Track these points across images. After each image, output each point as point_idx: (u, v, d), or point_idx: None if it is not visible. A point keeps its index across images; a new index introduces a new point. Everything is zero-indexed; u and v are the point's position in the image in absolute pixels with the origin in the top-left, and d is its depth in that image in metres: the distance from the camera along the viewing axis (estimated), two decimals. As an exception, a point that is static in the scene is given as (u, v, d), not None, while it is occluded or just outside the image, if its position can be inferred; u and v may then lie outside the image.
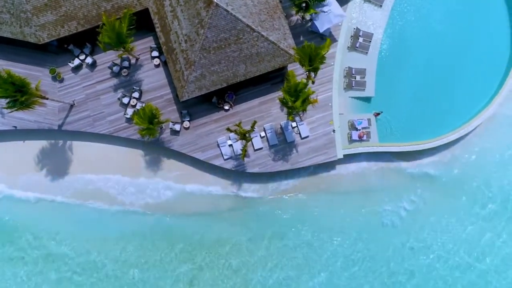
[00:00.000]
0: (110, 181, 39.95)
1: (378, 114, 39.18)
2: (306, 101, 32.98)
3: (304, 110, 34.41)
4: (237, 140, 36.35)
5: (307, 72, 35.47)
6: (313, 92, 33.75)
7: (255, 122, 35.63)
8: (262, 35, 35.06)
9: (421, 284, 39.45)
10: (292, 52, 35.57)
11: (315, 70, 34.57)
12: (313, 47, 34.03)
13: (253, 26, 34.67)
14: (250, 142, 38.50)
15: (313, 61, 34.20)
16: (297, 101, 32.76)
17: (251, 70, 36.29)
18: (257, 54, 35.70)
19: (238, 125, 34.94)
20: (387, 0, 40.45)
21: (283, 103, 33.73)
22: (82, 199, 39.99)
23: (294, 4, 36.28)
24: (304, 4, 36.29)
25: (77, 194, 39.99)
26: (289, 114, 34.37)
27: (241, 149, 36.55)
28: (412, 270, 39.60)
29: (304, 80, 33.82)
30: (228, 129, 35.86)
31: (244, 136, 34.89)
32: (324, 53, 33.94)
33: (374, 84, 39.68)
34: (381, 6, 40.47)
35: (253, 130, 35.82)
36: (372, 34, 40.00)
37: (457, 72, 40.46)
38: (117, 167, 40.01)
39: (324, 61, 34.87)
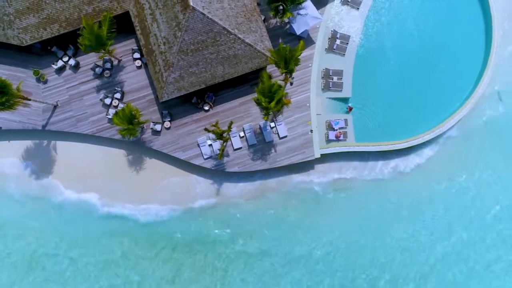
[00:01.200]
0: (92, 181, 40.77)
1: (351, 109, 40.04)
2: (280, 102, 33.84)
3: (279, 110, 35.28)
4: (216, 140, 37.21)
5: (284, 74, 36.42)
6: (287, 93, 34.60)
7: (231, 123, 36.51)
8: (239, 38, 35.97)
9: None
10: (268, 54, 36.46)
11: (290, 71, 35.47)
12: (288, 49, 34.97)
13: (229, 29, 35.58)
14: (230, 142, 39.49)
15: (288, 63, 35.15)
16: (272, 102, 33.66)
17: (229, 72, 37.20)
18: (234, 56, 36.62)
19: (215, 125, 35.82)
20: (364, 3, 41.37)
21: (258, 103, 34.61)
22: (65, 199, 40.84)
23: (271, 7, 37.14)
24: (281, 8, 37.17)
25: (61, 193, 40.84)
26: (264, 114, 35.22)
27: (219, 149, 37.41)
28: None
29: (278, 82, 34.68)
30: (206, 129, 36.74)
31: (221, 136, 35.77)
32: (298, 55, 34.85)
33: (351, 85, 40.57)
34: (358, 8, 41.37)
35: (230, 131, 36.69)
36: (349, 36, 40.91)
37: (433, 73, 41.39)
38: (100, 167, 40.85)
39: (299, 63, 35.81)
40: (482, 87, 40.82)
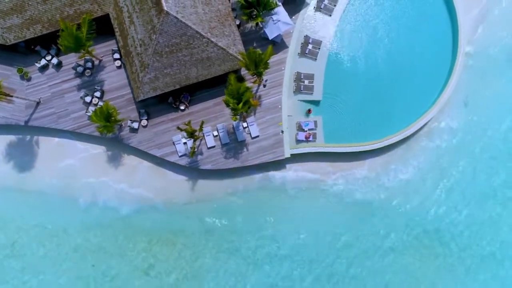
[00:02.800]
0: (74, 175, 42.52)
1: (311, 111, 41.78)
2: (247, 103, 35.57)
3: (246, 111, 37.02)
4: (188, 138, 38.93)
5: (255, 76, 38.23)
6: (253, 95, 36.33)
7: (202, 122, 38.31)
8: (212, 41, 37.74)
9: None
10: (240, 57, 38.20)
11: (260, 74, 37.22)
12: (257, 53, 36.81)
13: (202, 33, 37.35)
14: (204, 140, 41.23)
15: (258, 66, 36.95)
16: (240, 103, 35.41)
17: (202, 73, 38.96)
18: (207, 58, 38.38)
19: (187, 124, 37.58)
20: (336, 10, 43.07)
21: (227, 104, 36.35)
22: (46, 191, 42.58)
23: (243, 12, 38.87)
24: (254, 13, 38.92)
25: (42, 186, 42.55)
26: (233, 115, 36.95)
27: (192, 147, 39.16)
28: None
29: (246, 84, 36.44)
30: (179, 128, 38.51)
31: (192, 134, 37.51)
32: (266, 59, 36.64)
33: (322, 88, 42.28)
34: (330, 15, 43.08)
35: (202, 130, 38.43)
36: (321, 41, 42.62)
37: (401, 78, 43.03)
38: (80, 162, 42.59)
39: (268, 67, 37.63)
40: (448, 93, 42.44)
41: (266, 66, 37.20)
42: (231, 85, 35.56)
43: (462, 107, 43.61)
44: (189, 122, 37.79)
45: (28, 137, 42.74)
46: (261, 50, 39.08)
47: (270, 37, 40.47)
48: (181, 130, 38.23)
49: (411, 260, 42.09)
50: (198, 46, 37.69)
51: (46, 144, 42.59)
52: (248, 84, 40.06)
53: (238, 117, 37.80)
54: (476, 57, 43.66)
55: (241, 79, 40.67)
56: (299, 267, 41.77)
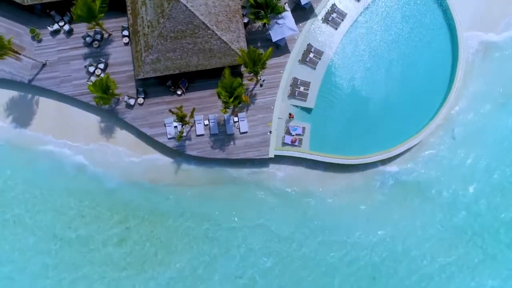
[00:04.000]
0: (65, 140, 44.18)
1: (292, 116, 42.96)
2: (238, 98, 36.95)
3: (236, 106, 38.38)
4: (178, 123, 40.39)
5: (252, 74, 39.63)
6: (245, 90, 37.68)
7: (193, 110, 39.77)
8: (216, 34, 39.20)
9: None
10: (240, 53, 39.57)
11: (256, 72, 38.61)
12: (257, 52, 38.20)
13: (208, 25, 38.82)
14: (194, 127, 42.69)
15: (256, 65, 38.32)
16: (231, 97, 36.81)
17: (202, 63, 40.41)
18: (209, 50, 39.84)
19: (179, 108, 39.07)
20: (343, 25, 44.27)
21: (219, 96, 37.76)
22: (40, 150, 44.28)
23: (252, 11, 40.25)
24: (261, 14, 40.27)
25: (37, 144, 44.23)
26: (223, 107, 38.35)
27: (180, 131, 40.65)
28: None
29: (240, 80, 37.82)
30: (170, 111, 40.01)
31: (182, 119, 38.97)
32: (264, 59, 37.99)
33: (316, 97, 43.52)
34: (336, 29, 44.27)
35: (192, 117, 39.88)
36: (323, 52, 43.86)
37: (395, 101, 44.04)
38: (74, 128, 44.25)
39: (265, 67, 38.98)
40: (436, 122, 43.45)
41: (263, 66, 38.55)
42: (225, 78, 36.96)
43: (450, 139, 44.62)
44: (181, 107, 39.25)
45: (29, 96, 44.47)
46: (263, 50, 40.61)
47: (273, 39, 41.77)
48: (172, 113, 39.72)
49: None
50: (202, 36, 39.17)
51: (45, 105, 44.27)
52: (245, 81, 41.60)
53: (228, 110, 39.18)
54: (470, 96, 44.72)
55: (239, 75, 42.08)
56: (264, 256, 43.15)
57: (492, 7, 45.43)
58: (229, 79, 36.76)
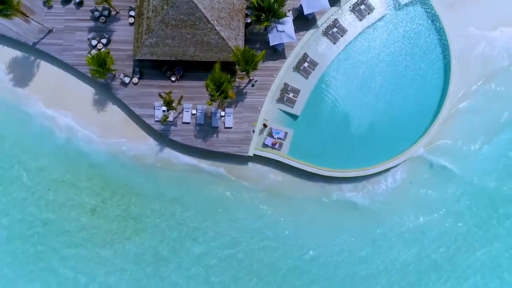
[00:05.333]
0: (58, 107, 45.74)
1: (266, 125, 44.11)
2: (223, 93, 38.28)
3: (222, 100, 39.69)
4: (165, 107, 41.83)
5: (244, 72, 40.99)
6: (232, 87, 39.01)
7: (181, 97, 41.15)
8: (215, 29, 40.55)
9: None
10: (235, 51, 40.84)
11: (247, 71, 39.91)
12: (251, 53, 39.49)
13: (209, 19, 40.18)
14: (181, 114, 44.07)
15: (248, 64, 39.62)
16: (218, 91, 38.15)
17: (198, 55, 41.79)
18: (207, 43, 41.19)
19: (168, 93, 40.48)
20: (342, 40, 45.37)
21: (206, 88, 39.10)
22: (31, 112, 45.93)
23: (253, 13, 41.52)
24: (262, 17, 41.53)
25: (32, 106, 45.82)
26: (210, 100, 39.67)
27: (165, 115, 42.03)
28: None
29: (228, 76, 39.16)
30: (159, 95, 41.43)
31: (168, 104, 40.37)
32: (257, 60, 39.26)
33: (303, 106, 44.67)
34: (335, 43, 45.39)
35: (180, 104, 41.25)
36: (318, 63, 44.99)
37: (379, 122, 45.10)
38: (68, 97, 45.82)
39: (257, 68, 40.27)
40: (416, 148, 44.45)
41: (255, 66, 39.85)
42: (215, 72, 38.29)
43: (428, 169, 45.57)
44: (169, 92, 40.65)
45: (31, 58, 46.14)
46: (260, 52, 41.83)
47: (271, 43, 43.00)
48: (161, 97, 41.14)
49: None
50: (202, 29, 40.53)
51: (45, 69, 45.94)
52: (237, 79, 42.94)
53: (214, 103, 40.49)
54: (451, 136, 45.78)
55: (233, 72, 43.35)
56: (225, 247, 44.66)
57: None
58: (219, 74, 38.08)
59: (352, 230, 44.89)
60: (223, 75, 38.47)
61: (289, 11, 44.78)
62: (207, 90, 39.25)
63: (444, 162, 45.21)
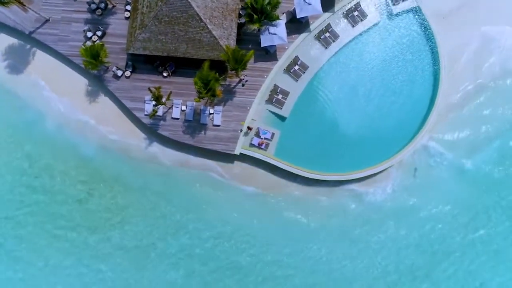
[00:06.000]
0: (52, 95, 46.53)
1: (250, 128, 44.68)
2: (210, 91, 38.89)
3: (209, 98, 40.31)
4: (154, 101, 42.47)
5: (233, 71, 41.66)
6: (219, 85, 39.68)
7: (170, 93, 41.82)
8: (208, 27, 41.15)
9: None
10: (225, 50, 41.42)
11: (236, 70, 40.56)
12: (241, 53, 40.09)
13: (202, 17, 40.79)
14: (171, 110, 44.69)
15: (237, 63, 40.22)
16: (205, 88, 38.78)
17: (190, 52, 42.40)
18: (199, 41, 41.80)
19: (157, 88, 41.11)
20: (333, 46, 45.87)
21: (195, 85, 39.72)
22: (24, 98, 46.70)
23: (246, 13, 42.09)
24: (254, 18, 42.08)
25: (22, 93, 46.58)
26: (197, 96, 40.28)
27: (154, 109, 42.68)
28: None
29: (216, 75, 39.78)
30: (149, 89, 42.07)
31: (157, 99, 41.01)
32: (246, 60, 39.86)
33: (292, 108, 45.24)
34: (326, 48, 45.91)
35: (169, 99, 41.88)
36: (308, 67, 45.54)
37: (365, 129, 45.65)
38: (63, 86, 46.55)
39: (246, 68, 40.86)
40: (401, 156, 44.97)
41: (244, 66, 40.45)
42: (204, 70, 38.92)
43: (411, 175, 46.10)
44: (159, 87, 41.29)
45: (27, 46, 46.89)
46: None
47: (262, 45, 43.58)
48: (150, 91, 41.79)
49: None
50: (194, 27, 41.15)
51: (39, 58, 46.70)
52: (227, 77, 43.58)
53: (202, 100, 41.13)
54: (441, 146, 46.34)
55: (224, 70, 43.91)
56: (209, 240, 45.61)
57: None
58: (207, 72, 38.72)
59: (332, 232, 45.64)
60: (211, 73, 39.10)
61: (283, 13, 45.39)
62: (195, 87, 39.85)
63: (429, 170, 45.84)
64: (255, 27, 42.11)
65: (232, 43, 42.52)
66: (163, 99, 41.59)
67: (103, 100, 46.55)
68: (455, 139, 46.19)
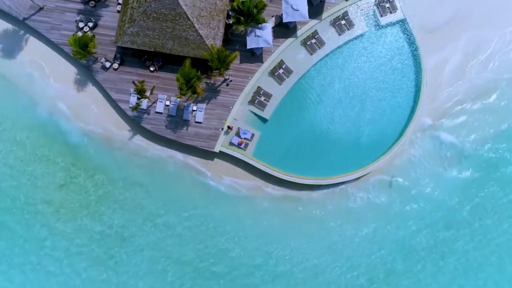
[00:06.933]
0: (40, 79, 47.57)
1: (230, 128, 45.53)
2: (191, 88, 39.83)
3: (190, 95, 41.25)
4: (137, 94, 43.45)
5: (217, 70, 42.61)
6: (200, 83, 40.61)
7: (153, 87, 42.79)
8: (194, 26, 42.06)
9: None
10: (210, 49, 42.34)
11: (219, 69, 41.49)
12: (225, 53, 40.99)
13: (189, 16, 41.70)
14: (155, 104, 45.65)
15: (220, 63, 41.14)
16: (187, 85, 39.73)
17: (176, 49, 43.32)
18: (185, 38, 42.72)
19: (141, 82, 42.10)
20: (319, 52, 46.66)
21: (177, 81, 40.66)
22: (16, 82, 47.74)
23: (233, 14, 42.96)
24: (241, 19, 42.97)
25: (12, 77, 47.64)
26: (179, 92, 41.22)
27: (137, 103, 43.64)
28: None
29: (198, 73, 40.71)
30: (133, 82, 43.05)
31: (140, 92, 41.99)
32: (229, 61, 40.76)
33: (273, 110, 46.10)
34: (312, 54, 46.71)
35: (152, 93, 42.84)
36: (293, 71, 46.37)
37: (345, 136, 46.49)
38: (52, 74, 47.50)
39: (229, 68, 41.80)
40: (378, 164, 45.80)
41: (227, 66, 41.37)
42: (185, 67, 39.88)
43: (386, 186, 46.90)
44: (143, 81, 42.27)
45: (21, 32, 47.92)
46: (239, 54, 43.36)
47: (248, 47, 44.43)
48: (134, 84, 42.76)
49: None
50: (181, 25, 42.07)
51: (32, 45, 47.68)
52: (211, 76, 44.50)
53: (183, 96, 42.08)
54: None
55: (209, 68, 44.76)
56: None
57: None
58: (188, 69, 39.65)
59: (307, 235, 46.54)
60: (193, 71, 40.04)
61: (272, 17, 46.27)
62: (177, 83, 40.80)
63: (403, 181, 46.68)
64: (241, 28, 42.99)
65: (218, 43, 43.42)
66: (147, 93, 42.53)
67: (91, 90, 47.50)
68: (436, 146, 46.95)
